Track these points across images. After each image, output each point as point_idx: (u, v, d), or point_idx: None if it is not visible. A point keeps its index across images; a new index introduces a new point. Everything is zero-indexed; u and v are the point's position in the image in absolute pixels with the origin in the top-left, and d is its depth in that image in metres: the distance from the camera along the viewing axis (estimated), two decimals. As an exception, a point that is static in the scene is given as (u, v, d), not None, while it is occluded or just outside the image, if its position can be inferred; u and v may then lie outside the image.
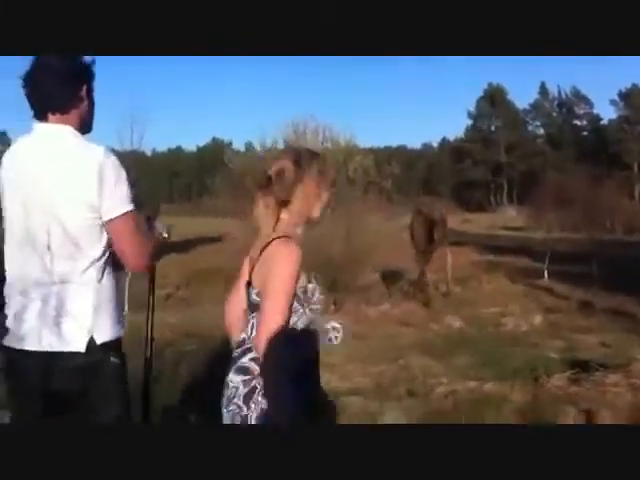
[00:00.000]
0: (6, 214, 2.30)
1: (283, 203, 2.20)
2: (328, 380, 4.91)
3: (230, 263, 13.30)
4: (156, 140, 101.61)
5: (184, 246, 16.09)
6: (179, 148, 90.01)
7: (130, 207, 2.26)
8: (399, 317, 9.05)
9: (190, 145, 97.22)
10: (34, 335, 2.21)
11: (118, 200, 2.22)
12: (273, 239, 2.12)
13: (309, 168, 2.23)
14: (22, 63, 2.26)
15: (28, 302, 2.24)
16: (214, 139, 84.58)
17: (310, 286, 2.12)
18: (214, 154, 54.97)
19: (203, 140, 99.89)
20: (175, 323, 7.26)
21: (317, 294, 2.15)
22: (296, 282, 2.06)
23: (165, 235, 2.71)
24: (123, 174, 2.26)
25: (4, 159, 2.34)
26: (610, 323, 8.28)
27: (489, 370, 6.08)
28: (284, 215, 2.21)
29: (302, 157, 2.25)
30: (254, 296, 2.15)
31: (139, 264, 2.33)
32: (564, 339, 7.54)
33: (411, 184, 57.75)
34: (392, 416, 4.62)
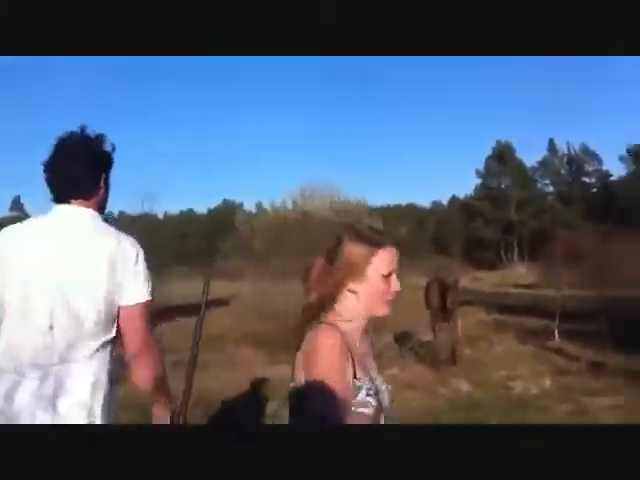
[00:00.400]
0: (4, 290, 2.24)
1: (342, 286, 1.96)
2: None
3: (237, 326, 13.25)
4: (168, 202, 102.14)
5: (193, 310, 16.06)
6: (190, 210, 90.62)
7: (147, 297, 2.29)
8: (407, 381, 8.96)
9: (201, 207, 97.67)
10: (26, 414, 2.14)
11: (135, 288, 2.26)
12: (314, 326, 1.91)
13: (380, 255, 1.97)
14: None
15: (23, 380, 2.17)
16: (225, 200, 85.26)
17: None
18: (225, 215, 55.37)
19: (214, 202, 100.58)
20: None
21: (361, 395, 1.85)
22: (341, 373, 1.82)
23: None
24: (143, 262, 2.30)
25: (12, 232, 2.32)
26: (622, 384, 8.14)
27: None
28: (346, 301, 1.97)
29: (378, 243, 1.98)
30: (291, 390, 1.92)
31: (138, 354, 2.26)
32: (575, 402, 7.42)
33: (421, 242, 57.70)
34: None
